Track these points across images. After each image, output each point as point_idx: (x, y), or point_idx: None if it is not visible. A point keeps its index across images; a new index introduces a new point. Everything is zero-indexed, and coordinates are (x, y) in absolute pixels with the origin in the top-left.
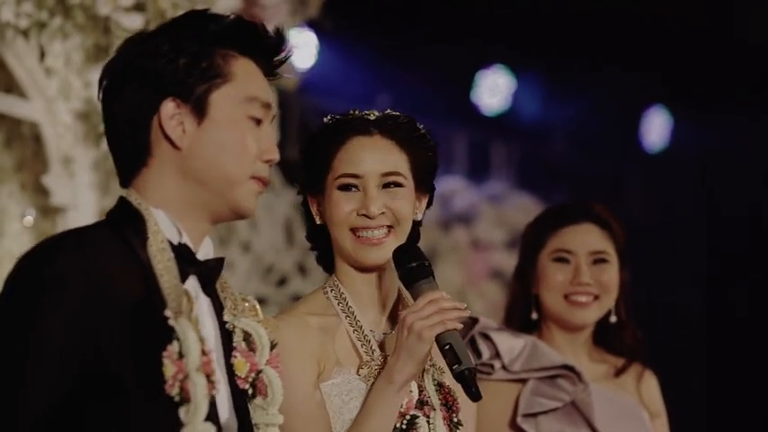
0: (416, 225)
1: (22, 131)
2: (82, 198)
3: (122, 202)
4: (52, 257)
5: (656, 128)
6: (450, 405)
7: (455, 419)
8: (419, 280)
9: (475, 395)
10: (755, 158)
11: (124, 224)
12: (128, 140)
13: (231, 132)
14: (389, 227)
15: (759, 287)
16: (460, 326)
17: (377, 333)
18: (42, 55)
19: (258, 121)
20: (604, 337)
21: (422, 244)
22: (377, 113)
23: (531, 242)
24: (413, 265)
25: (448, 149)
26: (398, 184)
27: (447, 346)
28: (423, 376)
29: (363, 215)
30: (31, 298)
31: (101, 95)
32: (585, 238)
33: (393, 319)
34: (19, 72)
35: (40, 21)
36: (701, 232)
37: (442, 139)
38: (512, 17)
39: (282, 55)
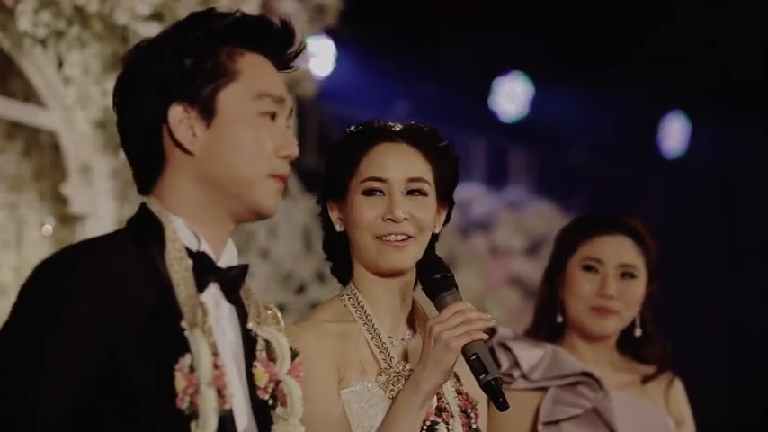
0: (434, 238)
1: (40, 140)
2: (100, 206)
3: (143, 209)
4: (68, 269)
5: (675, 133)
6: (468, 412)
7: (474, 426)
8: (443, 291)
9: (502, 405)
10: None
11: (143, 232)
12: (142, 149)
13: (242, 131)
14: (410, 236)
15: None
16: (486, 336)
17: (394, 339)
18: (60, 64)
19: (272, 116)
20: (634, 347)
21: (440, 251)
22: (401, 125)
23: (562, 246)
24: (437, 277)
25: (466, 156)
26: (423, 192)
27: (473, 357)
28: None
29: (389, 219)
30: (46, 310)
31: (114, 107)
32: (616, 250)
33: (409, 325)
34: (37, 81)
35: (57, 30)
36: (720, 238)
37: (461, 145)
38: (529, 24)
39: (294, 47)
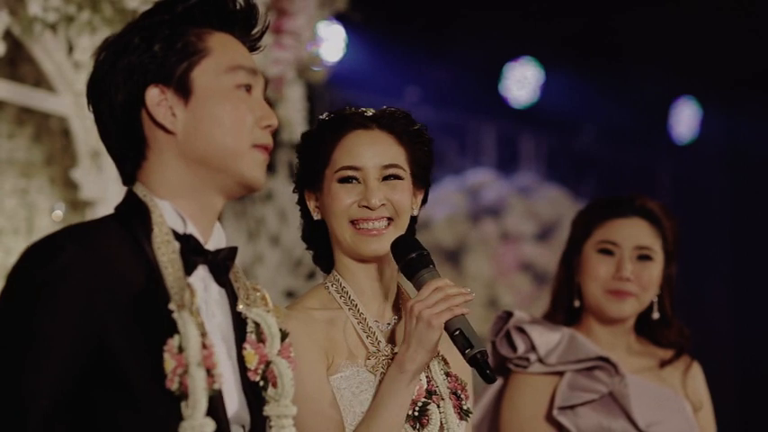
0: (413, 221)
1: (50, 126)
2: (111, 192)
3: (129, 194)
4: (56, 252)
5: (685, 119)
6: (458, 393)
7: (465, 407)
8: (420, 270)
9: (489, 377)
10: None
11: (130, 217)
12: (123, 138)
13: (221, 105)
14: (389, 219)
15: None
16: (468, 311)
17: (381, 324)
18: (70, 49)
19: (248, 89)
20: (651, 330)
21: (451, 236)
22: (373, 111)
23: (578, 230)
24: (412, 256)
25: (477, 142)
26: (398, 177)
27: (457, 332)
28: (429, 366)
29: (364, 207)
30: (34, 292)
31: (90, 105)
32: (632, 232)
33: (395, 309)
34: (47, 66)
35: (68, 15)
36: (729, 223)
37: (471, 131)
38: (540, 9)
39: (258, 27)
